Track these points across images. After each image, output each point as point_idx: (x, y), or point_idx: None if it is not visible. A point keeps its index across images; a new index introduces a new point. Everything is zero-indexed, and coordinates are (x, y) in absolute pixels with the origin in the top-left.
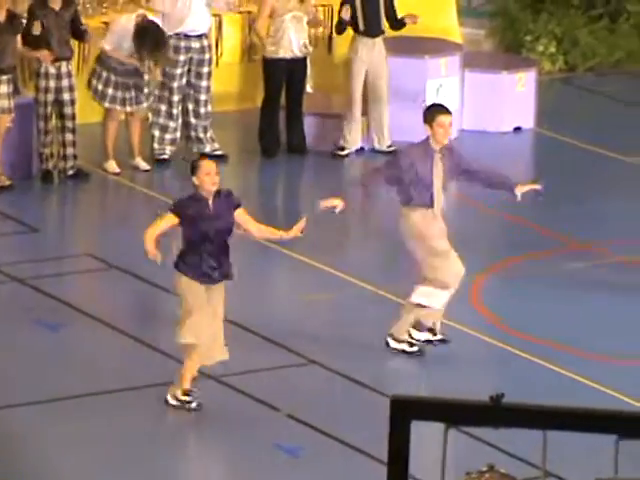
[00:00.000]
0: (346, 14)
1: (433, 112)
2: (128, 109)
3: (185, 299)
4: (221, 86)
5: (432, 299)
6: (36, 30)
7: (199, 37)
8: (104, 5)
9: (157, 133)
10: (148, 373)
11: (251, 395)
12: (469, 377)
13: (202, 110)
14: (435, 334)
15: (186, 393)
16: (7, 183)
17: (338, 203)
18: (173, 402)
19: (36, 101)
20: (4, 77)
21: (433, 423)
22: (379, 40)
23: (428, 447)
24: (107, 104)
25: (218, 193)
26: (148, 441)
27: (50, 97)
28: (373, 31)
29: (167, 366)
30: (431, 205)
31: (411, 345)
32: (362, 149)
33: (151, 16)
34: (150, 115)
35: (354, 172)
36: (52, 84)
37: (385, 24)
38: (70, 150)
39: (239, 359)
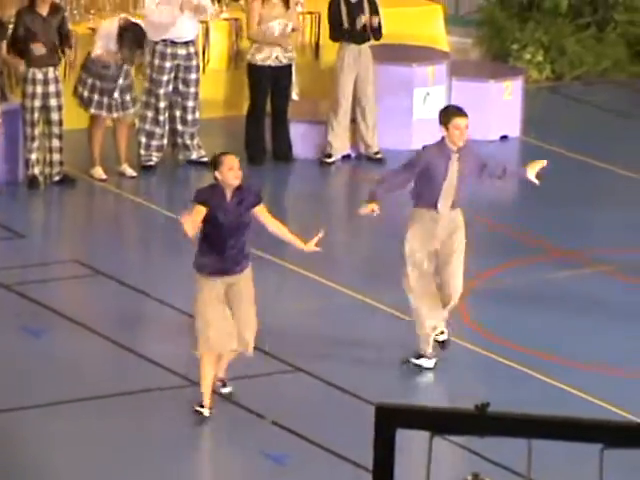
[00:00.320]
0: (360, 23)
1: (449, 114)
2: (114, 115)
3: (197, 296)
4: (208, 93)
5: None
6: (38, 52)
7: (186, 44)
8: (91, 11)
9: (143, 139)
10: (132, 379)
11: (237, 402)
12: (454, 385)
13: (189, 117)
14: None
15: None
16: None
17: (374, 207)
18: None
19: (23, 107)
20: None
21: (419, 431)
22: (365, 47)
23: (414, 455)
24: (93, 110)
25: (238, 187)
26: (131, 448)
27: (37, 103)
28: (359, 38)
29: (151, 373)
30: (435, 208)
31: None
32: (349, 156)
33: (134, 19)
34: (137, 121)
35: (341, 179)
36: (39, 90)
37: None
38: (56, 156)
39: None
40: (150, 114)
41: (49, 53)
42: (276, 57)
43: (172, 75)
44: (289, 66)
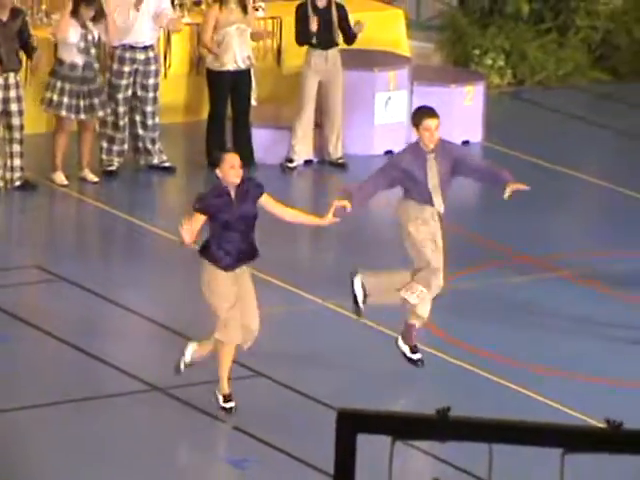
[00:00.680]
0: (314, 25)
1: (420, 116)
2: (82, 117)
3: (209, 290)
4: (170, 98)
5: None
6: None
7: (144, 49)
8: (52, 16)
9: (105, 144)
10: (94, 385)
11: (197, 407)
12: (416, 390)
13: (149, 122)
14: (414, 352)
15: (226, 399)
16: None
17: (347, 204)
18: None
19: None
20: None
21: (380, 436)
22: (332, 52)
23: (375, 460)
24: (64, 112)
25: (241, 182)
26: (90, 453)
27: None
28: (325, 43)
29: (113, 378)
30: (431, 204)
31: (413, 352)
32: (311, 161)
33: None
34: (97, 126)
35: (304, 184)
36: (0, 95)
37: (340, 38)
38: (17, 161)
39: (185, 371)
40: (110, 119)
41: (9, 58)
42: (235, 62)
43: (131, 80)
44: (248, 71)
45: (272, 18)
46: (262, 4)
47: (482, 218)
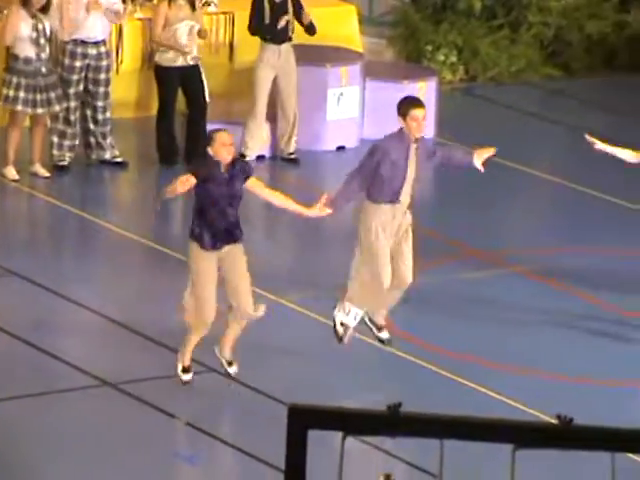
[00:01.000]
0: (282, 22)
1: (407, 105)
2: (39, 111)
3: (191, 267)
4: (121, 93)
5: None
6: None
7: (96, 43)
8: (4, 11)
9: (56, 139)
10: (46, 380)
11: (148, 402)
12: (368, 386)
13: (100, 117)
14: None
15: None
16: None
17: (327, 210)
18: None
19: None
20: None
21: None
22: (286, 47)
23: (326, 456)
24: (20, 107)
25: (232, 162)
26: (41, 448)
27: None
28: (279, 38)
29: (64, 373)
30: (397, 199)
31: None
32: (263, 157)
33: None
34: (49, 121)
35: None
36: None
37: (295, 30)
38: None
39: (136, 366)
40: (62, 114)
41: None
42: (183, 58)
43: (82, 75)
44: (197, 66)
45: (224, 13)
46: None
47: (436, 213)
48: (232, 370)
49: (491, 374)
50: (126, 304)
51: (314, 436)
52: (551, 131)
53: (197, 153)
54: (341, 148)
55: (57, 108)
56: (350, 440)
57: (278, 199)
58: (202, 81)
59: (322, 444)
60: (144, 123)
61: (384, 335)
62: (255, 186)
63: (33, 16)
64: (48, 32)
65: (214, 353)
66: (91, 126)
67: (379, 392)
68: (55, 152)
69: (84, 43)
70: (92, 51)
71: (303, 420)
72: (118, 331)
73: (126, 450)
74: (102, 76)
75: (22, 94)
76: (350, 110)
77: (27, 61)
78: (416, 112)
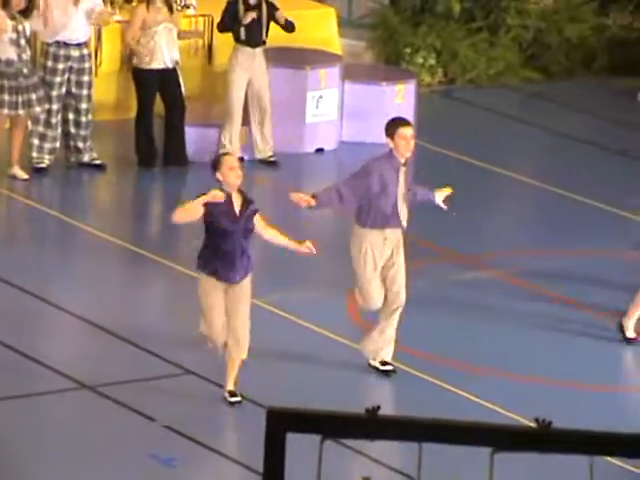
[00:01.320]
0: (247, 19)
1: (394, 125)
2: (20, 112)
3: (200, 297)
4: (100, 95)
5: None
6: None
7: (79, 45)
8: None
9: (36, 142)
10: (24, 383)
11: (126, 405)
12: (346, 389)
13: (82, 119)
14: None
15: (231, 394)
16: None
17: (311, 202)
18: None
19: None
20: None
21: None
22: (259, 50)
23: (306, 459)
24: (5, 111)
25: (245, 199)
26: (19, 451)
27: None
28: (254, 41)
29: (42, 375)
30: (391, 221)
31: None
32: (242, 159)
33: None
34: (29, 123)
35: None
36: None
37: (275, 32)
38: None
39: (115, 369)
40: (43, 116)
41: None
42: (162, 61)
43: (65, 77)
44: (175, 70)
45: (203, 16)
46: (193, 2)
47: (415, 217)
48: (235, 400)
49: (469, 377)
50: (104, 306)
51: (292, 439)
52: (530, 134)
53: (175, 156)
54: (320, 150)
55: (38, 109)
56: (329, 443)
57: (269, 234)
58: (180, 84)
59: (301, 447)
60: (122, 125)
61: (389, 367)
62: (258, 223)
63: (12, 18)
64: (28, 33)
65: (193, 355)
66: (72, 129)
67: (358, 396)
68: (35, 154)
69: (67, 45)
70: (75, 53)
71: (282, 423)
72: (97, 334)
73: (104, 453)
74: (85, 78)
75: (6, 97)
76: (329, 112)
77: (9, 63)
78: (404, 130)
